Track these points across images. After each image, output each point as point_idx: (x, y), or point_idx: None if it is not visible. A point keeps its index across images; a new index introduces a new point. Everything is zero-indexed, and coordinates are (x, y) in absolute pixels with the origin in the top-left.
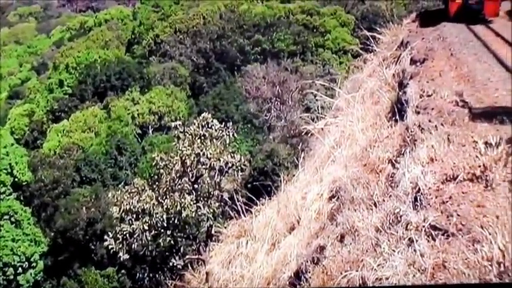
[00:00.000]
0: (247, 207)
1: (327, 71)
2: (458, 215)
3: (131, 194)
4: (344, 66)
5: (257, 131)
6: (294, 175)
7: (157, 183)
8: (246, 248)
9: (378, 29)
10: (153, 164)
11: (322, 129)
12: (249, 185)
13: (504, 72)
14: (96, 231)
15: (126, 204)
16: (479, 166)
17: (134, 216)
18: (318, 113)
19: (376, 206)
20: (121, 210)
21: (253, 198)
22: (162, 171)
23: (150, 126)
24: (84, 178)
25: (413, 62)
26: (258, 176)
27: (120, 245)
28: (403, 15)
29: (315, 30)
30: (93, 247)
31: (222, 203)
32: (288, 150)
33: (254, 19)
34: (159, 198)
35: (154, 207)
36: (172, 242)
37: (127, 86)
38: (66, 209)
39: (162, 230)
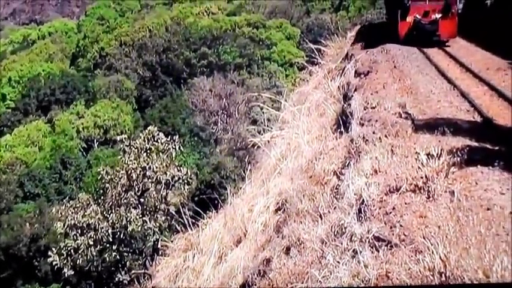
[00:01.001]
0: (194, 221)
1: (273, 83)
2: (401, 226)
3: (76, 209)
4: (290, 79)
5: (204, 144)
6: (240, 188)
7: (102, 197)
8: (192, 261)
9: (323, 41)
10: (99, 178)
11: (268, 141)
12: (196, 199)
13: (446, 84)
14: (40, 247)
15: (71, 220)
16: (422, 177)
17: (79, 231)
18: (265, 125)
19: (321, 217)
20: (65, 226)
21: (200, 211)
22: (107, 185)
23: (95, 140)
24: (27, 193)
25: (357, 74)
26: (205, 189)
27: (65, 261)
28: (348, 28)
29: (261, 43)
30: (37, 263)
31: (169, 217)
32: (235, 163)
33: (200, 32)
34: (104, 212)
35: (100, 222)
36: (118, 257)
37: (72, 100)
38: (9, 225)
39: (108, 245)
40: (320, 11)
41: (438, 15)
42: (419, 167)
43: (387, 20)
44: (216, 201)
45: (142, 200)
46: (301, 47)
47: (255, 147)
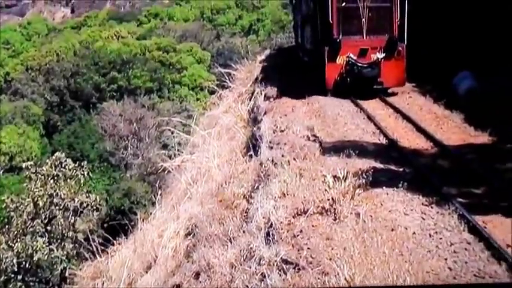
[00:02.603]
0: (103, 248)
1: (184, 107)
2: (308, 248)
3: None
4: (201, 103)
5: (114, 169)
6: (151, 213)
7: (7, 226)
8: None
9: (233, 65)
10: (3, 206)
11: (179, 166)
12: (106, 225)
13: (353, 107)
14: None
15: None
16: (328, 199)
17: None
18: (175, 150)
19: (231, 241)
20: None
21: (110, 238)
22: (12, 213)
23: (0, 167)
24: None
25: (267, 97)
26: (115, 215)
27: None
28: (257, 52)
29: (171, 67)
30: None
31: (77, 245)
32: (146, 188)
33: (110, 56)
34: (9, 242)
35: (4, 251)
36: (23, 287)
37: None
38: None
39: (13, 275)
40: (230, 35)
41: (380, 55)
42: (326, 190)
43: (306, 60)
44: (126, 227)
45: (49, 227)
46: (211, 70)
47: (166, 172)
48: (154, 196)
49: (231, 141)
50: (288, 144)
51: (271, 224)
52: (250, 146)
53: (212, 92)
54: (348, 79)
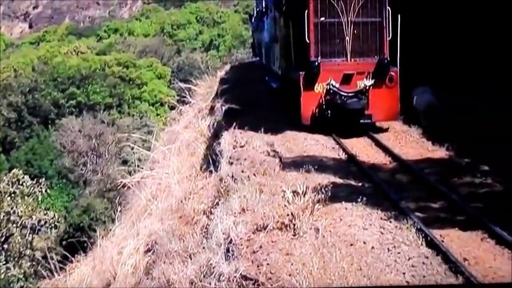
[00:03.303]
0: (61, 265)
1: (144, 123)
2: (267, 264)
3: None
4: (161, 118)
5: (73, 186)
6: (110, 230)
7: None
8: None
9: (194, 80)
10: None
11: (138, 182)
12: (64, 242)
13: None
14: None
15: None
16: (288, 215)
17: None
18: (135, 165)
19: (191, 258)
20: None
21: (68, 255)
22: None
23: None
24: None
25: (228, 112)
26: (74, 232)
27: None
28: (218, 67)
29: (131, 82)
30: None
31: (34, 263)
32: (105, 205)
33: (69, 71)
34: None
35: None
36: None
37: None
38: None
39: None
40: (191, 50)
41: (368, 82)
42: (285, 205)
43: (275, 86)
44: (85, 244)
45: (6, 245)
46: (172, 86)
47: (126, 188)
48: (114, 212)
49: (191, 156)
50: (248, 160)
51: (231, 240)
52: (211, 161)
53: (172, 108)
54: (329, 112)
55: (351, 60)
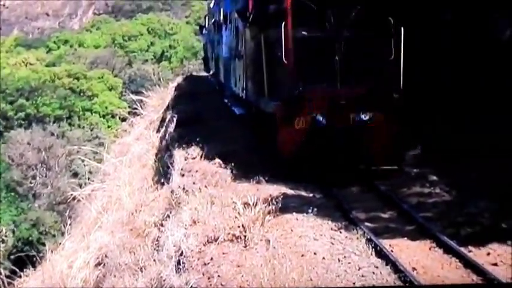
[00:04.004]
0: (9, 280)
1: (95, 135)
2: (218, 276)
3: None
4: (112, 130)
5: (21, 199)
6: (60, 243)
7: None
8: None
9: (145, 92)
10: None
11: (89, 194)
12: (13, 257)
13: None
14: None
15: None
16: (239, 226)
17: None
18: (86, 178)
19: (141, 271)
20: None
21: (17, 270)
22: None
23: None
24: None
25: (179, 124)
26: (23, 247)
27: None
28: (170, 79)
29: (82, 94)
30: None
31: None
32: (55, 218)
33: (17, 83)
34: None
35: None
36: None
37: None
38: None
39: None
40: (142, 62)
41: (365, 116)
42: (236, 217)
43: (239, 113)
44: (34, 259)
45: None
46: (123, 97)
47: (76, 201)
48: (64, 226)
49: (143, 168)
50: (200, 171)
51: (182, 252)
52: (162, 173)
53: (124, 119)
54: (314, 153)
55: (341, 87)
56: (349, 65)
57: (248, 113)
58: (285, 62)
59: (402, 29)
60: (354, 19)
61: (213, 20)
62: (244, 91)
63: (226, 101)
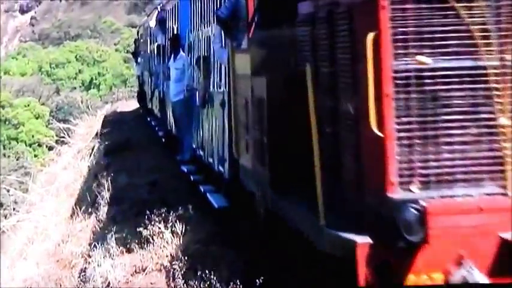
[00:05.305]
0: None
1: (20, 164)
2: None
3: None
4: (39, 159)
5: None
6: None
7: None
8: None
9: (73, 120)
10: None
11: (14, 225)
12: None
13: None
14: None
15: None
16: (167, 256)
17: None
18: (11, 209)
19: None
20: None
21: None
22: None
23: None
24: None
25: (108, 152)
26: None
27: None
28: (99, 106)
29: (7, 123)
30: None
31: None
32: None
33: None
34: None
35: None
36: None
37: None
38: None
39: None
40: (70, 89)
41: None
42: (164, 246)
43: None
44: None
45: None
46: (50, 126)
47: (1, 232)
48: None
49: (71, 198)
50: (129, 200)
51: (109, 283)
52: (90, 202)
53: (51, 148)
54: None
55: None
56: None
57: (233, 207)
58: (379, 134)
59: None
60: None
61: (157, 44)
62: (229, 169)
63: (186, 170)
